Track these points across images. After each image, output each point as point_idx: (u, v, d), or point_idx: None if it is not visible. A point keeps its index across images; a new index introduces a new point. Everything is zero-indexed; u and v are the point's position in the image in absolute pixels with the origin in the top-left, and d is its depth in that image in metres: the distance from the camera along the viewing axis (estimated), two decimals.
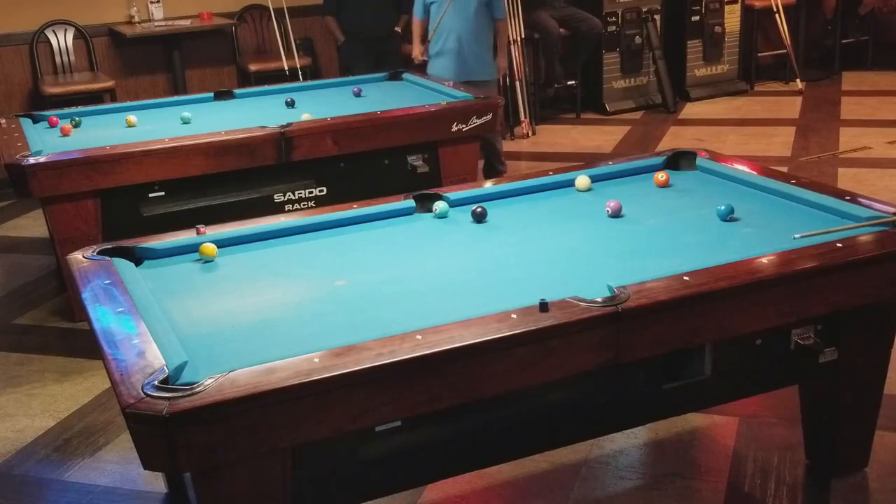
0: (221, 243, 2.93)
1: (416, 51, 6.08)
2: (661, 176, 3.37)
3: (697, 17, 8.16)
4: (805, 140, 6.93)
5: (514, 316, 2.28)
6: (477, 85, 5.64)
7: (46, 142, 4.54)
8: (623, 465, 3.21)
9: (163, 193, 4.36)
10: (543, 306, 2.30)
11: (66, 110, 5.22)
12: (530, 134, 7.44)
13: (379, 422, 2.25)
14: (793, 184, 3.16)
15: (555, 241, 2.92)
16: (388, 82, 5.69)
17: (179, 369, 2.12)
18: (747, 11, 8.40)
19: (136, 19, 7.07)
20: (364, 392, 2.12)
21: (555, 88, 7.88)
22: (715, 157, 3.54)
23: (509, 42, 7.24)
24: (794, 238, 2.70)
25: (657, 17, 8.02)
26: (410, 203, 3.22)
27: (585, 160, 5.86)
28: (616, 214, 3.07)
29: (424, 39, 6.02)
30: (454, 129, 4.72)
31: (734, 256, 2.59)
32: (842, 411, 2.95)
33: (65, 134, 4.73)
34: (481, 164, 5.94)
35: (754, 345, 2.72)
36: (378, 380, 2.12)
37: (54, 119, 4.94)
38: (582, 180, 3.35)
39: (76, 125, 4.88)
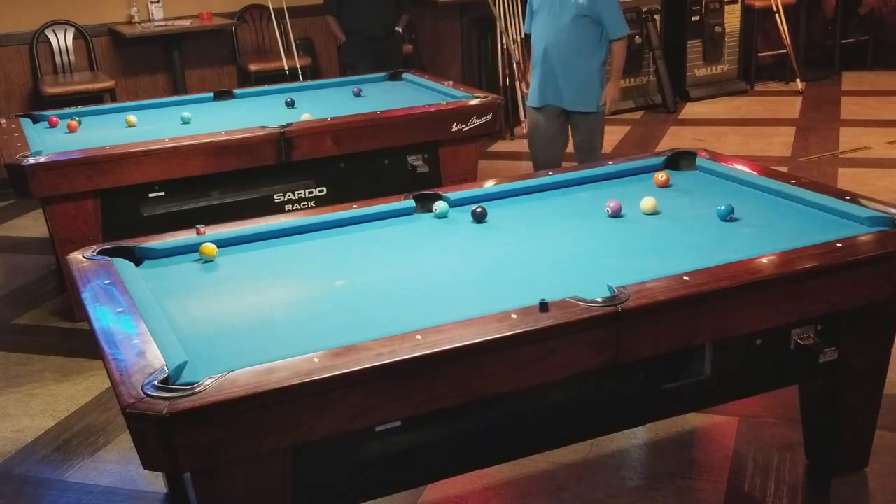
0: (221, 243, 2.93)
1: (528, 75, 5.06)
2: (661, 176, 3.37)
3: (697, 17, 8.16)
4: (805, 140, 6.93)
5: (514, 316, 2.28)
6: (575, 117, 4.91)
7: (46, 142, 4.54)
8: (623, 465, 3.21)
9: (163, 193, 4.36)
10: (543, 306, 2.30)
11: (66, 110, 5.22)
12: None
13: (379, 422, 2.25)
14: (793, 184, 3.16)
15: (555, 241, 2.92)
16: (388, 82, 5.69)
17: (179, 369, 2.12)
18: (747, 11, 8.39)
19: (136, 19, 7.06)
20: (364, 392, 2.12)
21: None
22: (715, 157, 3.55)
23: (509, 45, 7.25)
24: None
25: (657, 17, 8.02)
26: (410, 203, 3.22)
27: None
28: (616, 214, 3.07)
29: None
30: (454, 129, 4.72)
31: (734, 256, 2.60)
32: (842, 411, 2.95)
33: (71, 130, 4.75)
34: (482, 164, 5.87)
35: (754, 345, 2.72)
36: (378, 380, 2.12)
37: (54, 119, 4.94)
38: (648, 202, 3.10)
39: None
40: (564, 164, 5.03)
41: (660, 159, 3.56)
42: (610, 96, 4.92)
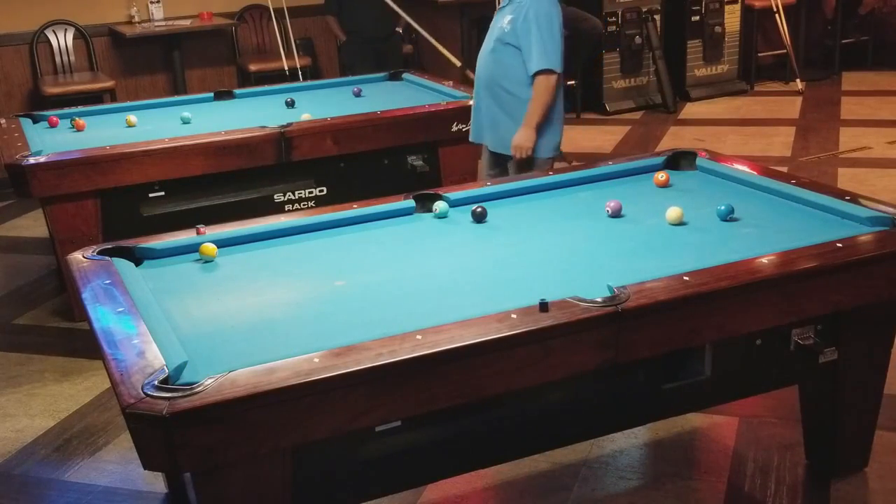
0: (221, 243, 2.93)
1: None
2: (661, 176, 3.37)
3: (697, 17, 8.16)
4: (805, 140, 6.93)
5: (514, 316, 2.28)
6: (508, 161, 4.27)
7: (46, 142, 4.54)
8: (623, 465, 3.21)
9: (163, 193, 4.36)
10: (543, 306, 2.30)
11: (66, 110, 5.23)
12: None
13: (379, 422, 2.25)
14: (793, 184, 3.16)
15: (555, 241, 2.92)
16: (388, 82, 5.69)
17: (179, 369, 2.12)
18: (747, 11, 8.39)
19: (136, 19, 7.07)
20: (364, 392, 2.12)
21: None
22: (715, 157, 3.55)
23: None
24: None
25: (657, 17, 8.02)
26: (410, 203, 3.22)
27: (585, 160, 5.86)
28: (616, 214, 3.07)
29: None
30: (454, 129, 4.72)
31: (734, 256, 2.60)
32: (842, 411, 2.95)
33: (79, 129, 4.76)
34: (480, 163, 5.85)
35: (754, 345, 2.72)
36: (378, 380, 2.12)
37: (54, 119, 4.94)
38: (674, 212, 2.98)
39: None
40: (565, 164, 5.02)
41: (660, 159, 3.56)
42: (515, 142, 4.11)
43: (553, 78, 4.07)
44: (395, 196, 3.26)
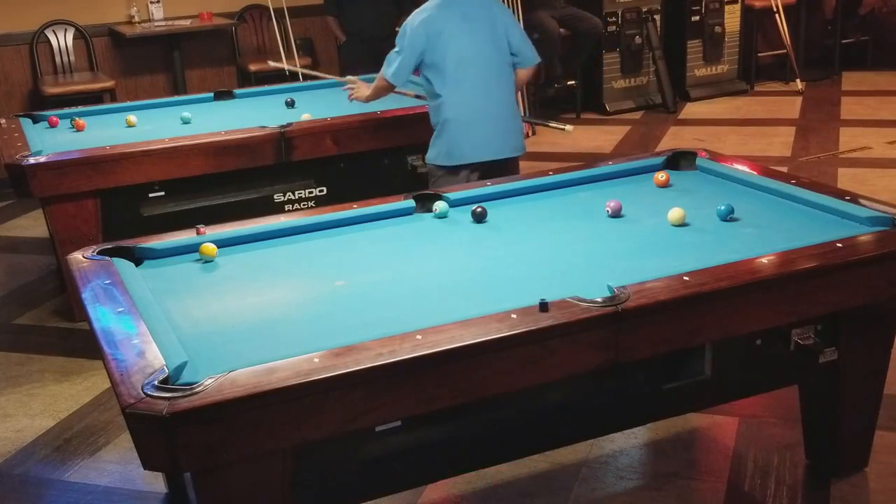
0: (221, 243, 2.93)
1: None
2: (661, 176, 3.37)
3: (697, 17, 8.16)
4: (805, 140, 6.93)
5: (514, 316, 2.28)
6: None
7: (46, 142, 4.54)
8: (623, 465, 3.21)
9: (163, 193, 4.36)
10: (543, 306, 2.30)
11: (66, 110, 5.23)
12: (530, 134, 7.43)
13: (379, 422, 2.25)
14: (793, 184, 3.16)
15: (555, 241, 2.92)
16: None
17: (179, 369, 2.12)
18: (747, 11, 8.39)
19: (136, 19, 7.07)
20: (364, 392, 2.12)
21: (555, 88, 7.87)
22: (715, 157, 3.55)
23: None
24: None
25: (657, 17, 8.02)
26: (410, 203, 3.22)
27: (585, 160, 5.85)
28: (616, 214, 3.07)
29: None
30: None
31: (734, 256, 2.59)
32: (842, 411, 2.95)
33: (79, 129, 4.76)
34: None
35: (754, 345, 2.72)
36: (378, 380, 2.12)
37: (54, 119, 4.94)
38: (676, 213, 2.97)
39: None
40: (565, 165, 5.01)
41: (660, 159, 3.56)
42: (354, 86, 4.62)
43: (382, 80, 4.40)
44: (395, 196, 3.26)
